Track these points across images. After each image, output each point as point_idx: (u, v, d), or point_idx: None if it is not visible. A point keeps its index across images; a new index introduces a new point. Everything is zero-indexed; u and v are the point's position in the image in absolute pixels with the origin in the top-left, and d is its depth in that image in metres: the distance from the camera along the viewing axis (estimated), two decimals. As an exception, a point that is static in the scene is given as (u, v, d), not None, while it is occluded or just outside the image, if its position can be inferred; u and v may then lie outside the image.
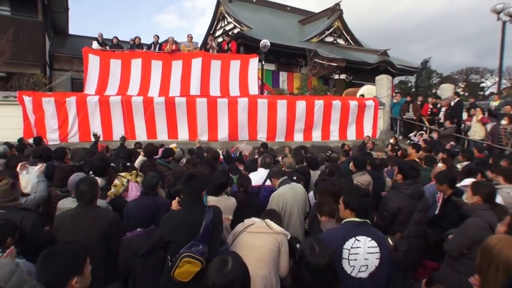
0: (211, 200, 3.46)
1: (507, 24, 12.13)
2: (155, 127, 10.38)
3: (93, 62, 10.77)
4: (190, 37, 12.19)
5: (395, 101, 12.40)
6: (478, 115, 9.12)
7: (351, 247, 2.31)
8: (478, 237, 2.80)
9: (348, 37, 23.15)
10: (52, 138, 9.63)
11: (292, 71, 19.27)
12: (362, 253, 2.32)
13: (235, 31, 20.40)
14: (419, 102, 11.57)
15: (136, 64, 11.09)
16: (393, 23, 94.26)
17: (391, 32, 78.59)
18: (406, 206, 3.41)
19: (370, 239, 2.36)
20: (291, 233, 3.16)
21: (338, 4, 22.17)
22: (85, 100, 9.88)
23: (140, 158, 5.67)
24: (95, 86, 10.59)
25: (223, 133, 10.72)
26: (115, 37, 12.14)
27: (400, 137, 11.50)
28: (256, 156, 8.13)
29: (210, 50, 12.08)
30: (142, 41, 12.29)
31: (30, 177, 3.71)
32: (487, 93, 32.31)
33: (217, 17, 23.88)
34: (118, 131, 10.01)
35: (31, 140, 8.80)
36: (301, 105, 11.28)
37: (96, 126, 9.98)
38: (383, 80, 12.99)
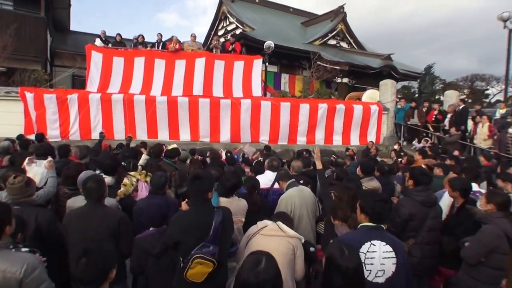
0: (223, 201, 3.49)
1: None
2: (156, 126, 10.40)
3: (96, 59, 10.80)
4: (193, 37, 12.25)
5: (399, 106, 12.48)
6: (484, 122, 9.19)
7: (367, 251, 2.36)
8: (494, 245, 2.86)
9: (351, 41, 23.26)
10: (53, 135, 9.61)
11: (294, 74, 19.35)
12: (378, 258, 2.36)
13: (237, 31, 20.48)
14: (424, 108, 11.63)
15: (139, 63, 11.12)
16: (395, 26, 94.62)
17: (392, 36, 78.84)
18: (418, 213, 3.44)
19: (384, 243, 2.40)
20: (301, 236, 3.19)
21: (342, 7, 22.29)
22: (87, 98, 9.91)
23: (144, 157, 5.69)
24: (97, 83, 10.62)
25: (225, 134, 10.75)
26: (118, 34, 12.18)
27: (404, 143, 11.56)
28: (260, 159, 8.17)
29: (214, 50, 12.11)
30: (143, 39, 12.30)
31: (38, 169, 3.72)
32: (493, 100, 32.44)
33: (219, 17, 23.94)
34: (119, 130, 10.08)
35: (31, 137, 8.84)
36: (304, 108, 11.34)
37: (97, 124, 10.02)
38: (388, 85, 13.07)
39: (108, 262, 1.78)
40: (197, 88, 11.01)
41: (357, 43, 23.52)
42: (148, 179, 4.34)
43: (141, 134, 10.18)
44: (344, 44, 22.86)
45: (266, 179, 5.01)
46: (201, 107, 10.44)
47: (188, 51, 11.61)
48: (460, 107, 10.91)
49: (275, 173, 5.30)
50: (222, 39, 16.52)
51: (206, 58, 11.38)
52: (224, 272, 2.78)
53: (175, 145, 7.23)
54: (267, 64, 12.73)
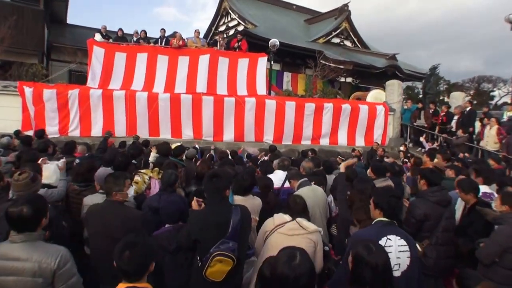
0: (238, 199, 3.59)
1: (521, 34, 12.39)
2: (158, 124, 10.46)
3: (98, 55, 10.88)
4: (197, 33, 12.34)
5: (405, 107, 12.62)
6: (493, 125, 9.35)
7: (384, 246, 2.46)
8: (508, 245, 2.99)
9: (355, 39, 23.38)
10: (51, 131, 9.60)
11: (296, 72, 19.47)
12: (394, 252, 2.49)
13: (239, 28, 20.53)
14: (431, 110, 11.78)
15: (142, 59, 11.21)
16: (399, 26, 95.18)
17: (396, 35, 79.36)
18: (433, 213, 3.57)
19: (399, 237, 2.56)
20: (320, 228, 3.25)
21: (346, 5, 22.41)
22: (88, 94, 9.96)
23: (153, 155, 5.79)
24: (98, 79, 10.69)
25: (229, 133, 10.85)
26: (120, 29, 12.25)
27: (411, 145, 11.71)
28: (265, 158, 8.30)
29: (218, 47, 12.19)
30: (145, 35, 12.34)
31: (55, 168, 3.80)
32: (499, 102, 32.66)
33: (221, 13, 23.97)
34: (120, 127, 10.14)
35: (29, 133, 8.91)
36: (310, 108, 11.46)
37: (97, 120, 10.09)
38: (394, 85, 13.21)
39: (149, 255, 1.92)
40: (201, 85, 11.11)
41: (361, 42, 23.64)
42: (160, 176, 4.44)
43: (143, 132, 10.19)
44: (348, 43, 22.99)
45: (276, 178, 5.11)
46: (205, 105, 10.53)
47: (192, 48, 11.69)
48: (467, 109, 11.06)
49: (285, 173, 5.44)
50: (224, 35, 16.62)
51: (210, 55, 11.48)
52: (241, 272, 2.86)
53: (178, 143, 7.39)
54: (272, 62, 12.82)
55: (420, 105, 12.16)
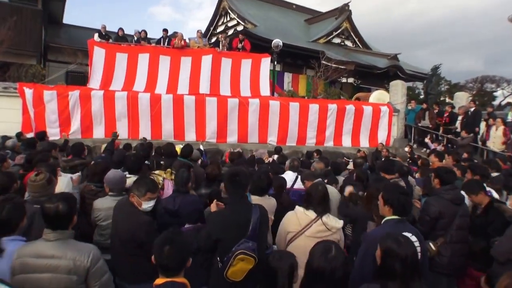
0: (255, 199, 3.67)
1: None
2: (160, 126, 10.52)
3: (98, 55, 10.93)
4: (200, 33, 12.42)
5: (410, 107, 12.78)
6: (498, 125, 9.51)
7: None
8: (525, 242, 3.11)
9: (356, 39, 23.61)
10: (52, 133, 9.61)
11: (297, 73, 19.62)
12: None
13: (238, 28, 20.68)
14: (435, 110, 11.94)
15: (143, 59, 11.28)
16: (398, 25, 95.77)
17: (396, 35, 79.85)
18: (447, 211, 3.69)
19: (411, 234, 2.64)
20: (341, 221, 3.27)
21: (347, 4, 22.64)
22: (89, 95, 10.01)
23: None
24: (99, 80, 10.74)
25: (232, 134, 10.94)
26: (121, 29, 12.31)
27: (415, 146, 11.85)
28: (269, 160, 8.42)
29: (220, 47, 12.29)
30: (146, 35, 12.41)
31: (68, 181, 3.90)
32: (503, 102, 32.88)
33: (220, 12, 24.10)
34: (122, 129, 10.15)
35: (30, 135, 8.95)
36: (314, 109, 11.58)
37: (99, 122, 10.15)
38: (398, 85, 13.38)
39: (187, 250, 2.04)
40: (204, 86, 11.20)
41: (362, 42, 23.88)
42: (174, 177, 4.53)
43: (145, 134, 10.23)
44: (348, 43, 23.21)
45: (287, 179, 5.20)
46: (208, 106, 10.62)
47: (194, 48, 11.79)
48: (472, 109, 11.22)
49: (295, 173, 5.56)
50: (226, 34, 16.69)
51: (213, 55, 11.56)
52: (259, 271, 2.95)
53: (180, 146, 7.49)
54: (275, 63, 12.94)
55: (424, 106, 12.31)
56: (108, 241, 3.29)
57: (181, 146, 7.36)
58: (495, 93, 35.86)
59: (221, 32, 21.50)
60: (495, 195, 4.38)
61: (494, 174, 5.85)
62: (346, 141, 12.15)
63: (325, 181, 4.83)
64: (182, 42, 11.51)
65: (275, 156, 8.70)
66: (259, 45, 15.09)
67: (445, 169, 4.15)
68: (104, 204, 3.54)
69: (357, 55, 20.88)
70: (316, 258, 1.85)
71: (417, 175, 6.33)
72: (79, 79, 14.66)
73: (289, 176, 5.33)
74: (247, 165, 5.68)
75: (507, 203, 3.59)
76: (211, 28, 24.60)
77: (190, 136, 10.67)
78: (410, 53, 70.80)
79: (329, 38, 21.96)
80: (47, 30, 16.67)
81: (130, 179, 4.36)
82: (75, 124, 10.04)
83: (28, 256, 2.23)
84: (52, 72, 14.02)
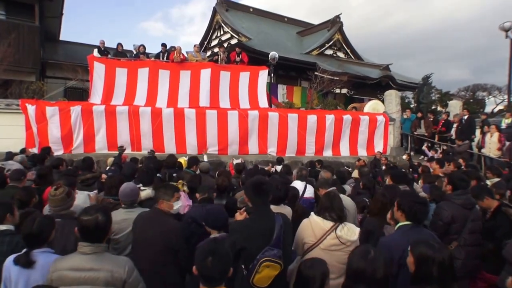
0: (272, 208, 3.75)
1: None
2: (162, 139, 10.54)
3: (99, 70, 11.00)
4: (197, 47, 12.57)
5: (405, 116, 13.01)
6: (493, 132, 9.73)
7: None
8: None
9: (348, 50, 24.01)
10: (55, 148, 9.55)
11: (292, 84, 19.85)
12: None
13: (232, 41, 20.93)
14: (431, 119, 12.17)
15: (143, 74, 11.37)
16: (386, 37, 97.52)
17: (384, 46, 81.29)
18: (459, 216, 3.80)
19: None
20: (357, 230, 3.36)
21: (338, 16, 23.07)
22: (91, 110, 10.06)
23: None
24: (100, 95, 10.80)
25: (233, 146, 11.01)
26: (120, 44, 12.40)
27: (412, 154, 12.03)
28: (272, 170, 8.50)
29: (219, 61, 12.44)
30: (145, 49, 12.49)
31: (85, 199, 3.94)
32: (496, 110, 33.41)
33: (213, 26, 24.40)
34: (124, 143, 10.10)
35: (33, 150, 8.95)
36: (312, 119, 11.73)
37: (101, 136, 10.16)
38: (392, 95, 13.63)
39: (229, 261, 2.04)
40: (204, 99, 11.31)
41: (354, 53, 24.29)
42: (185, 188, 4.58)
43: (147, 148, 10.27)
44: (341, 54, 23.58)
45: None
46: (209, 119, 10.70)
47: (193, 62, 11.92)
48: (465, 117, 11.47)
49: (303, 183, 5.64)
50: (216, 50, 16.82)
51: (211, 69, 11.70)
52: (285, 278, 2.94)
53: (184, 158, 7.56)
54: (272, 75, 13.11)
55: (420, 115, 12.55)
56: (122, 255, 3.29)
57: (185, 158, 7.48)
58: (486, 101, 36.54)
59: (215, 46, 21.75)
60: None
61: (495, 180, 6.00)
62: (345, 151, 12.29)
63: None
64: (181, 56, 11.61)
65: (278, 167, 8.81)
66: (255, 58, 15.27)
67: (459, 176, 4.24)
68: (117, 217, 3.49)
69: (350, 66, 21.20)
70: (355, 260, 1.90)
71: (420, 182, 6.43)
72: (78, 94, 14.69)
73: (297, 186, 5.39)
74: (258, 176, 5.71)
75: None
76: (205, 42, 24.85)
77: (191, 148, 10.70)
78: (397, 63, 71.91)
79: (321, 50, 22.29)
80: (44, 46, 16.73)
81: (145, 192, 4.42)
82: (78, 139, 10.06)
83: (66, 270, 2.25)
84: (50, 88, 14.01)
